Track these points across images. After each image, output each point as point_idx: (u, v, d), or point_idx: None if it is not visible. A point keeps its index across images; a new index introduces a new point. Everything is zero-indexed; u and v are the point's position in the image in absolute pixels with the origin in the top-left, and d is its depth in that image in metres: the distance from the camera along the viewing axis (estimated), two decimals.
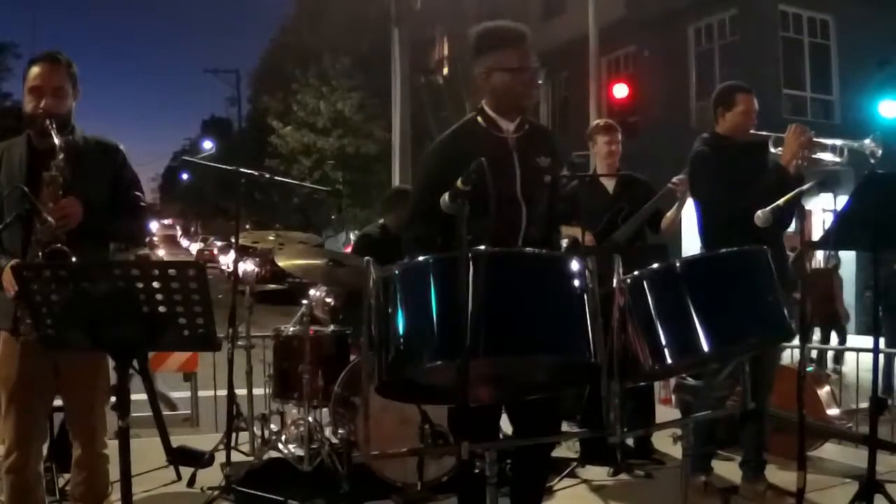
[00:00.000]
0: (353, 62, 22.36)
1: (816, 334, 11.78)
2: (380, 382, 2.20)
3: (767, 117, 4.07)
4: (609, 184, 4.75)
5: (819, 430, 4.54)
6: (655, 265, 2.37)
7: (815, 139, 3.66)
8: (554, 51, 16.99)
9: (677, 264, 2.37)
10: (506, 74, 2.85)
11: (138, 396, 3.85)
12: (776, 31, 16.01)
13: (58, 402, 3.11)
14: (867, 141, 3.50)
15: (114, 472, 2.81)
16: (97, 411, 2.98)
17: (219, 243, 39.94)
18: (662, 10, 17.00)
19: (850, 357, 8.98)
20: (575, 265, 2.22)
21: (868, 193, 3.03)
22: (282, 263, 4.59)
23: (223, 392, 4.48)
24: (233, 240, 4.63)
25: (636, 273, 2.35)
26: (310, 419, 4.16)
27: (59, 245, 2.73)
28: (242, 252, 8.56)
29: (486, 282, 2.03)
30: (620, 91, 12.54)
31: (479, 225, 2.35)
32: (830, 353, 10.36)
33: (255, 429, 4.55)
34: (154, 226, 51.19)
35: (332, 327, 4.56)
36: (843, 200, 4.30)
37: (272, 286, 20.22)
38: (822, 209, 14.38)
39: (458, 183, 2.19)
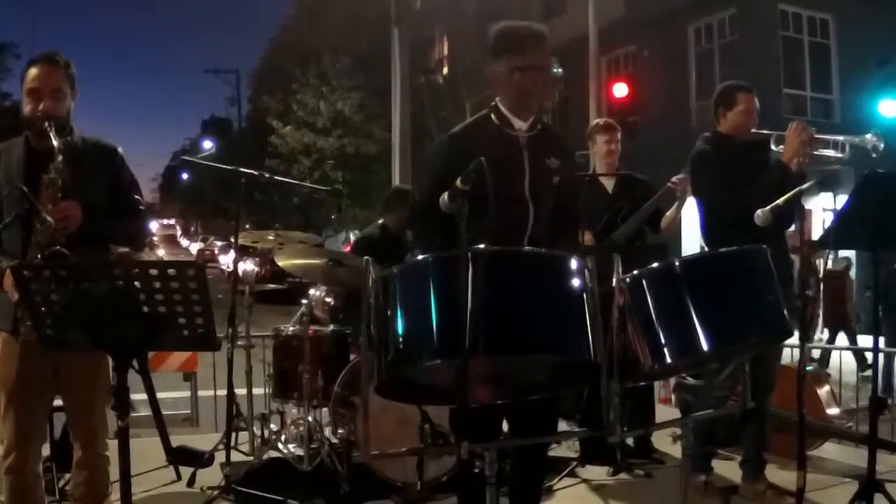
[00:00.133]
0: (353, 62, 22.38)
1: (825, 335, 11.78)
2: (379, 382, 2.19)
3: (768, 117, 4.07)
4: (608, 183, 4.75)
5: (819, 429, 4.54)
6: (655, 265, 2.37)
7: (816, 136, 3.66)
8: (554, 50, 16.63)
9: (677, 264, 2.37)
10: (529, 74, 2.87)
11: (138, 396, 3.84)
12: (776, 31, 16.01)
13: (58, 403, 3.10)
14: (868, 136, 3.50)
15: (113, 471, 2.81)
16: (97, 412, 2.97)
17: (219, 243, 39.91)
18: (662, 9, 16.99)
19: (848, 357, 9.00)
20: (574, 264, 2.21)
21: (868, 193, 3.02)
22: (282, 263, 4.59)
23: (223, 392, 4.48)
24: (233, 240, 4.63)
25: (636, 272, 2.34)
26: (309, 419, 4.16)
27: (58, 247, 2.72)
28: (242, 252, 8.55)
29: (485, 281, 2.03)
30: (620, 91, 12.56)
31: (479, 224, 2.34)
32: (835, 354, 10.34)
33: (254, 429, 4.55)
34: (154, 225, 51.21)
35: (331, 327, 4.55)
36: (842, 200, 4.30)
37: (272, 286, 20.19)
38: (822, 208, 14.37)
39: (458, 182, 2.19)
